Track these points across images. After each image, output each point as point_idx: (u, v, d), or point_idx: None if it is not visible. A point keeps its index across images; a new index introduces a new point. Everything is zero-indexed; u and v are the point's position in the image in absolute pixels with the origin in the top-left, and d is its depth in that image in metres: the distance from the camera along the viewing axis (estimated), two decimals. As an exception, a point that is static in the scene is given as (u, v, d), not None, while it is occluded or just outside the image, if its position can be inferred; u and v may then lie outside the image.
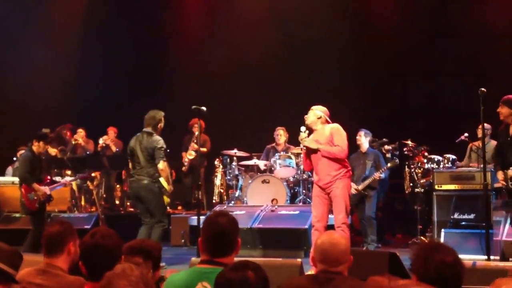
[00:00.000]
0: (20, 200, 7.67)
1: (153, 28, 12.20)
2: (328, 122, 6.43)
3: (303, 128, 6.34)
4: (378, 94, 10.84)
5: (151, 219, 6.95)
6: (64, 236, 3.30)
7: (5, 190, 9.40)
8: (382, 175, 8.11)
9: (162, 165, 6.87)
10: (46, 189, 7.68)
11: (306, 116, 6.43)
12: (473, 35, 10.31)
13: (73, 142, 10.67)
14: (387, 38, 10.85)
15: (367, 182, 8.10)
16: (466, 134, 8.20)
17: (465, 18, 10.39)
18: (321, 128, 6.37)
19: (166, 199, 7.06)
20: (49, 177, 8.20)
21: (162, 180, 6.91)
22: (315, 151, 6.29)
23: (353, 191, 8.01)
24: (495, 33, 10.11)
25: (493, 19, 10.06)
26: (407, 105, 10.69)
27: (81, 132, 10.69)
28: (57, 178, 9.17)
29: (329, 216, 6.44)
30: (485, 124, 7.89)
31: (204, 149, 10.11)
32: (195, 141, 10.15)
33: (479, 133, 8.05)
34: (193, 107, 6.89)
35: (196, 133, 10.21)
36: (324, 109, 6.46)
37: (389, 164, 8.15)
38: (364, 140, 8.32)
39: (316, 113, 6.38)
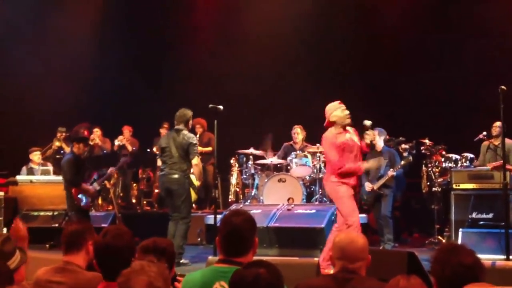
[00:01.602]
0: (68, 200, 7.84)
1: (167, 28, 12.23)
2: (327, 124, 6.32)
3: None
4: (394, 92, 10.77)
5: (177, 214, 7.11)
6: (83, 235, 3.35)
7: (24, 188, 9.47)
8: (395, 173, 8.04)
9: (196, 160, 7.15)
10: (95, 186, 7.99)
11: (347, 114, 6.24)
12: (494, 32, 10.21)
13: (90, 143, 10.74)
14: (401, 34, 10.82)
15: (382, 180, 8.04)
16: (484, 133, 8.14)
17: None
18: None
19: (194, 195, 7.24)
20: (95, 173, 8.37)
21: (192, 176, 7.17)
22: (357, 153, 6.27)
23: (368, 189, 8.00)
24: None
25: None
26: (425, 103, 10.59)
27: (97, 132, 10.76)
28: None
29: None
30: (498, 122, 7.87)
31: (208, 149, 10.13)
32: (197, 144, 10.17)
33: (493, 131, 8.01)
34: (210, 105, 6.91)
35: (198, 134, 10.25)
36: (330, 107, 6.28)
37: (402, 162, 8.08)
38: (378, 139, 8.26)
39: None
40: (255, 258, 2.97)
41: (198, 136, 10.29)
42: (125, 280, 2.21)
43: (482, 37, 10.21)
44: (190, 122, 7.34)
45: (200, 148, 10.17)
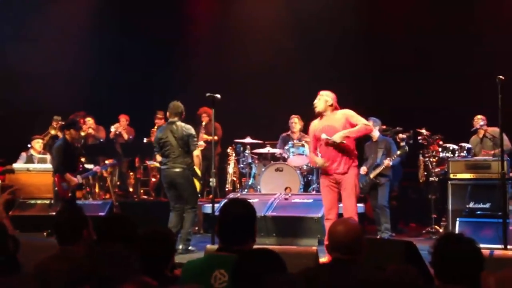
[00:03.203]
0: (53, 188, 7.89)
1: (167, 17, 12.15)
2: (336, 108, 6.41)
3: (324, 136, 6.22)
4: (392, 83, 10.76)
5: (183, 205, 7.09)
6: (76, 225, 3.27)
7: (20, 176, 9.46)
8: (391, 163, 8.05)
9: (198, 151, 7.16)
10: (78, 178, 7.89)
11: (315, 102, 6.40)
12: (490, 27, 10.22)
13: (82, 134, 10.70)
14: (399, 29, 10.80)
15: (378, 170, 8.05)
16: (481, 123, 8.17)
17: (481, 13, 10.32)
18: (331, 114, 6.34)
19: (198, 185, 7.23)
20: (81, 166, 8.35)
21: (195, 167, 7.14)
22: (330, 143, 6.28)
23: (362, 172, 7.98)
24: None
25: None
26: (422, 94, 10.58)
27: (89, 121, 10.71)
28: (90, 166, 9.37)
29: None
30: (480, 116, 8.03)
31: (214, 137, 10.10)
32: (203, 131, 10.16)
33: (476, 124, 8.26)
34: (207, 94, 6.88)
35: (204, 123, 10.25)
36: (333, 95, 6.42)
37: (398, 152, 8.09)
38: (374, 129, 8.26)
39: (326, 99, 6.34)
40: (255, 246, 2.97)
41: (204, 124, 10.31)
42: None
43: (479, 32, 10.24)
44: (183, 114, 7.24)
45: (205, 136, 10.17)
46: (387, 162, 7.99)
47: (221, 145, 10.42)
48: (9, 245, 2.97)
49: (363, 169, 8.05)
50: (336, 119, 6.32)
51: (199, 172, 7.22)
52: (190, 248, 6.96)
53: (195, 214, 7.22)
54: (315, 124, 6.46)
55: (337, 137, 6.16)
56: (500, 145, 6.16)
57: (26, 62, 11.27)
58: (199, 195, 7.56)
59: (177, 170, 7.05)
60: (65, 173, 7.72)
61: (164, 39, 12.15)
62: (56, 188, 7.79)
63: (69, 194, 7.76)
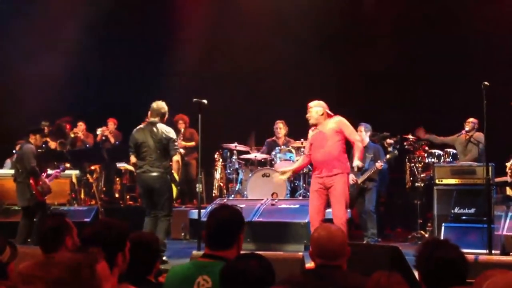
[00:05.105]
0: (29, 192, 7.73)
1: (156, 22, 12.12)
2: (329, 115, 6.55)
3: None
4: (379, 89, 10.81)
5: (158, 211, 6.80)
6: (59, 232, 3.24)
7: (5, 182, 9.35)
8: (383, 164, 8.08)
9: (178, 156, 6.86)
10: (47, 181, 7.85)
11: (307, 116, 6.54)
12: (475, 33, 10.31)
13: (72, 135, 10.66)
14: (388, 36, 10.86)
15: (366, 174, 8.07)
16: (466, 128, 8.24)
17: (466, 17, 10.40)
18: (324, 122, 6.50)
19: (175, 190, 6.97)
20: (47, 170, 8.31)
21: (173, 172, 6.86)
22: (322, 145, 6.41)
23: (351, 182, 7.99)
24: (497, 32, 10.11)
25: (497, 19, 10.10)
26: (408, 99, 10.64)
27: (81, 126, 10.68)
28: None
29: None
30: (472, 119, 8.06)
31: (191, 143, 10.08)
32: (181, 138, 10.13)
33: (467, 126, 8.24)
34: (194, 100, 6.85)
35: (182, 130, 10.22)
36: (322, 103, 6.56)
37: (388, 156, 8.13)
38: (364, 135, 8.29)
39: (317, 110, 6.50)
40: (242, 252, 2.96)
41: (182, 131, 10.28)
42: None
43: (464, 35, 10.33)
44: (166, 116, 6.96)
45: (183, 143, 10.15)
46: (379, 164, 7.99)
47: (197, 151, 10.38)
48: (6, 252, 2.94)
49: (352, 178, 8.04)
50: (327, 126, 6.47)
51: (177, 177, 6.92)
52: (164, 258, 6.51)
53: (169, 223, 6.90)
54: (310, 134, 6.67)
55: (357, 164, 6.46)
56: (486, 151, 6.19)
57: (12, 66, 11.21)
58: (174, 201, 7.34)
59: (154, 174, 6.73)
60: (40, 175, 7.63)
61: (153, 44, 12.11)
62: (34, 192, 7.66)
63: (44, 197, 7.72)
